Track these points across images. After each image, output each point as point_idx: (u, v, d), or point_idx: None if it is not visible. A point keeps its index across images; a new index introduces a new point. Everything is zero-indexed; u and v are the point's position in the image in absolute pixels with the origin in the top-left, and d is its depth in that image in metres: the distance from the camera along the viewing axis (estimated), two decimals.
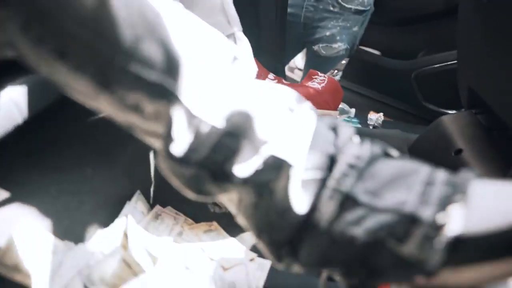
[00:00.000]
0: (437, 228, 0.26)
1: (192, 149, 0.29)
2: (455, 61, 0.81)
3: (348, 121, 1.11)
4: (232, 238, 0.66)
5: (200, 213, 0.73)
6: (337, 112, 1.04)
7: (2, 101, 0.43)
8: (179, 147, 0.29)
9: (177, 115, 0.28)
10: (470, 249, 0.25)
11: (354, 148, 0.31)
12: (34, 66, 0.30)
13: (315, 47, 1.10)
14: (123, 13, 0.27)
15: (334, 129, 0.33)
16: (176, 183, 0.32)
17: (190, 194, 0.33)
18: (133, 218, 0.59)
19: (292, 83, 1.33)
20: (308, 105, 0.32)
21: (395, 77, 1.19)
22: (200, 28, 0.33)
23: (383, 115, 1.11)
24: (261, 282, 0.55)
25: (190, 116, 0.29)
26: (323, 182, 0.30)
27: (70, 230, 0.51)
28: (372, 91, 1.27)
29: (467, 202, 0.26)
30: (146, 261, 0.51)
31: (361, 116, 1.12)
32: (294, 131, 0.31)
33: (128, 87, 0.28)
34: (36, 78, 0.43)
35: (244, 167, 0.30)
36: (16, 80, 0.44)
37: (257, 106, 0.30)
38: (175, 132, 0.28)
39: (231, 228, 0.69)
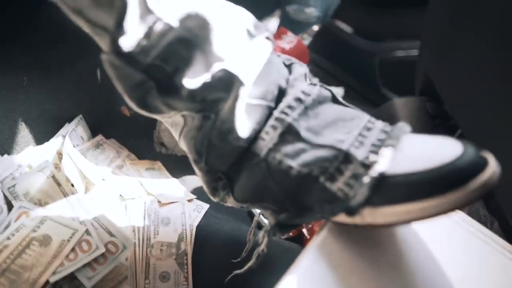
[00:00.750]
0: (367, 167, 0.27)
1: (141, 47, 0.27)
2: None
3: None
4: (174, 179, 0.65)
5: (145, 151, 0.70)
6: None
7: None
8: (128, 41, 0.27)
9: (132, 3, 0.26)
10: (391, 188, 0.26)
11: (304, 85, 0.31)
12: None
13: (288, 8, 1.08)
14: None
15: (289, 66, 0.33)
16: (120, 88, 0.30)
17: (133, 106, 0.31)
18: (70, 141, 0.56)
19: None
20: (266, 34, 0.32)
21: (360, 57, 1.20)
22: None
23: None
24: (196, 223, 0.56)
25: (146, 9, 0.27)
26: (269, 111, 0.30)
27: None
28: (333, 65, 1.28)
29: (397, 147, 0.28)
30: (78, 183, 0.49)
31: None
32: (249, 56, 0.30)
33: None
34: None
35: (194, 80, 0.29)
36: None
37: (216, 17, 0.29)
38: (127, 22, 0.27)
39: (175, 170, 0.68)
